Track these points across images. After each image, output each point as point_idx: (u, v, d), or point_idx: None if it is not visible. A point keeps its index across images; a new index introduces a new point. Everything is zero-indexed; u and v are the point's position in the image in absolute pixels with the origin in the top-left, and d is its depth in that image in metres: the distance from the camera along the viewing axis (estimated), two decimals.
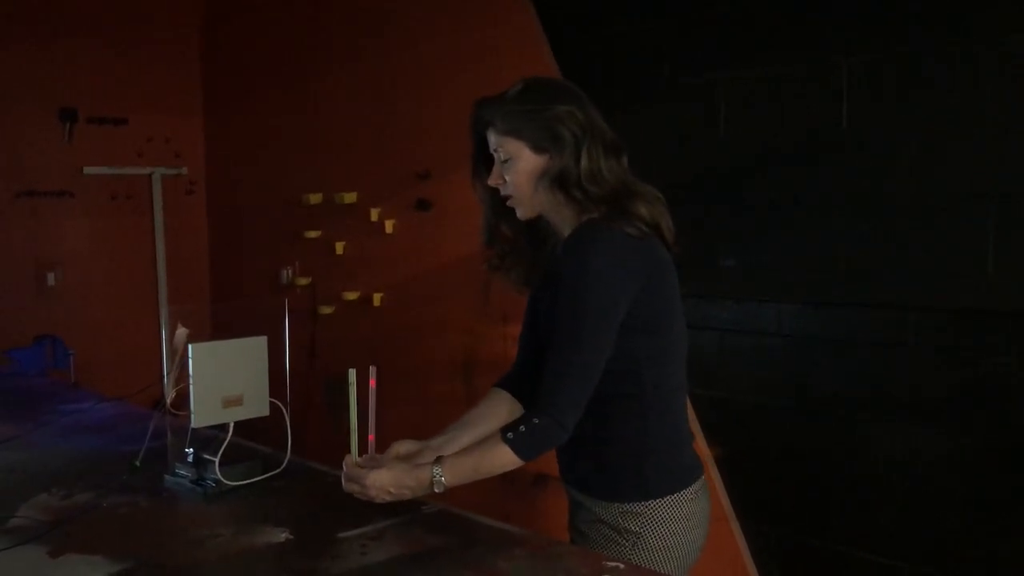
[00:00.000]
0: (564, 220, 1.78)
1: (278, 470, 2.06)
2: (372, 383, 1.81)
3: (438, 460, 1.71)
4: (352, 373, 1.80)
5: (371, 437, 1.82)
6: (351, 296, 4.09)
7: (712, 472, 2.78)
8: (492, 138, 1.77)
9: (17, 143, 4.38)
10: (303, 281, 4.36)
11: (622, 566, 1.55)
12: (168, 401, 2.03)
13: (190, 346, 1.96)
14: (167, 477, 2.06)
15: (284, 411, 2.07)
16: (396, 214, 3.89)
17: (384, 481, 1.72)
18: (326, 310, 4.22)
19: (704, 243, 2.76)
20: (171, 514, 1.92)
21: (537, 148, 1.73)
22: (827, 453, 2.55)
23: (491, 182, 1.79)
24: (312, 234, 4.24)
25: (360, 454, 1.81)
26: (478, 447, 1.72)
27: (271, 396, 2.09)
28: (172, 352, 1.99)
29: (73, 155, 4.52)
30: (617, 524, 1.76)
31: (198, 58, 4.95)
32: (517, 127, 1.73)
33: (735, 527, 2.73)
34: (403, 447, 1.84)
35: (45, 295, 4.49)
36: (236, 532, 1.76)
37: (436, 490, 1.70)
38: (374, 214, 3.95)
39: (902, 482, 2.41)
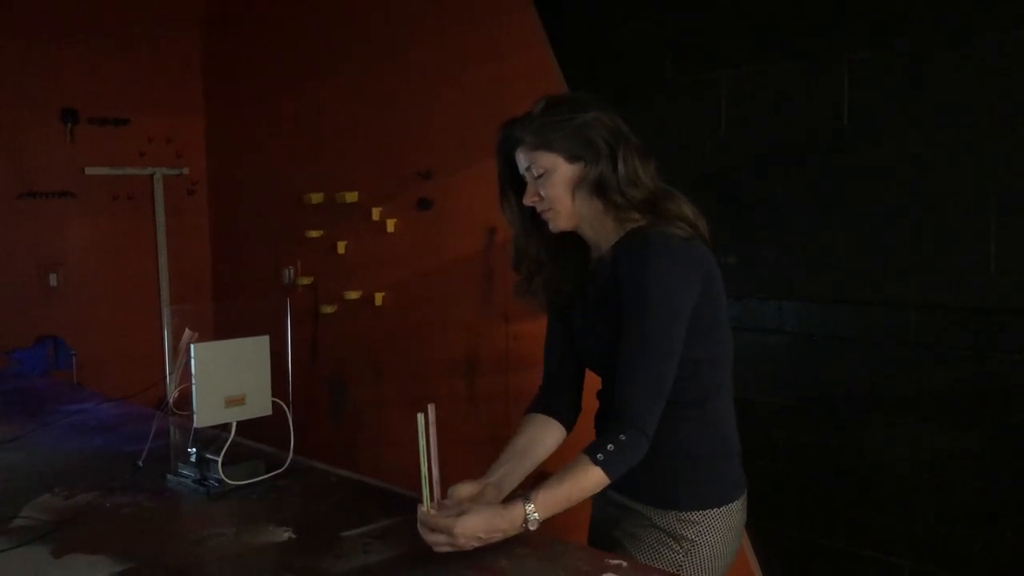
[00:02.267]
0: (606, 229, 1.76)
1: (281, 469, 2.06)
2: (432, 423, 1.63)
3: (527, 497, 1.60)
4: (421, 417, 1.61)
5: (433, 473, 1.63)
6: (353, 295, 4.09)
7: None
8: (523, 156, 1.75)
9: (19, 144, 4.38)
10: (305, 280, 4.36)
11: (625, 564, 1.55)
12: (171, 401, 2.03)
13: (192, 346, 1.96)
14: (170, 477, 2.06)
15: (287, 410, 2.08)
16: (398, 213, 3.89)
17: (476, 527, 1.57)
18: (328, 309, 4.22)
19: None
20: (174, 514, 1.92)
21: (571, 157, 1.72)
22: (829, 451, 2.55)
23: (527, 201, 1.76)
24: (314, 233, 4.24)
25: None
26: (567, 475, 1.61)
27: (273, 395, 2.10)
28: (178, 353, 2.00)
29: (74, 155, 4.52)
30: (674, 531, 1.76)
31: (199, 58, 4.95)
32: (548, 140, 1.71)
33: None
34: (465, 489, 1.69)
35: (47, 295, 4.49)
36: (239, 531, 1.76)
37: (530, 528, 1.60)
38: (376, 213, 3.95)
39: (905, 480, 2.41)
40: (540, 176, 1.73)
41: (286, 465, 2.07)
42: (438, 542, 1.58)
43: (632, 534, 1.81)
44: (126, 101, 4.64)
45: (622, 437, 1.62)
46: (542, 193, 1.74)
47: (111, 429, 2.59)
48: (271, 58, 4.53)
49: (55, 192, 4.49)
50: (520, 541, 1.66)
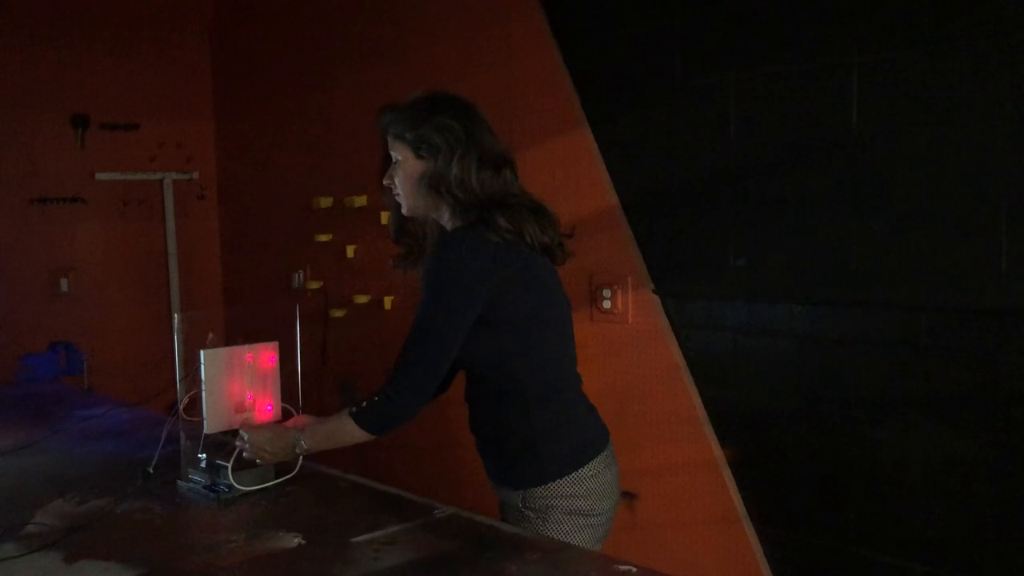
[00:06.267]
0: (445, 222, 1.96)
1: (291, 475, 2.06)
2: (274, 359, 2.09)
3: (302, 429, 1.97)
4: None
5: (270, 408, 2.08)
6: (362, 299, 4.10)
7: (724, 473, 2.77)
8: (389, 142, 1.97)
9: (30, 149, 4.39)
10: (314, 285, 4.36)
11: (635, 569, 1.55)
12: (181, 407, 2.04)
13: (202, 352, 1.97)
14: (180, 483, 2.07)
15: (296, 416, 2.08)
16: None
17: (259, 440, 1.97)
18: (337, 313, 4.22)
19: (715, 243, 2.75)
20: (185, 520, 1.93)
21: (417, 153, 1.92)
22: (840, 454, 2.54)
23: (384, 181, 2.00)
24: (323, 238, 4.25)
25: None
26: (331, 419, 1.94)
27: (283, 401, 2.10)
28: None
29: (85, 161, 4.54)
30: (526, 504, 1.92)
31: (209, 63, 4.96)
32: (402, 133, 1.93)
33: (749, 529, 2.73)
34: (301, 421, 2.04)
35: (58, 301, 4.51)
36: (249, 537, 1.76)
37: (297, 451, 1.98)
38: (385, 217, 3.92)
39: (915, 483, 2.40)
40: (395, 163, 1.96)
41: (296, 471, 2.07)
42: (242, 447, 1.99)
43: (506, 511, 2.00)
44: (136, 106, 4.65)
45: (376, 398, 1.87)
46: (395, 179, 1.97)
47: (122, 435, 2.60)
48: (280, 62, 4.54)
49: (66, 197, 4.51)
50: (529, 547, 1.66)
